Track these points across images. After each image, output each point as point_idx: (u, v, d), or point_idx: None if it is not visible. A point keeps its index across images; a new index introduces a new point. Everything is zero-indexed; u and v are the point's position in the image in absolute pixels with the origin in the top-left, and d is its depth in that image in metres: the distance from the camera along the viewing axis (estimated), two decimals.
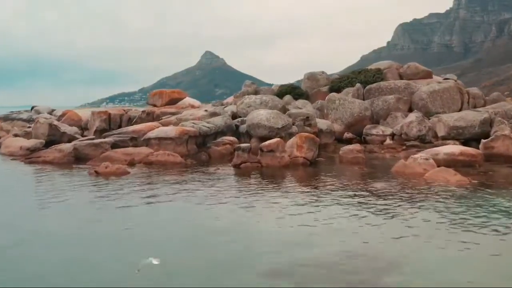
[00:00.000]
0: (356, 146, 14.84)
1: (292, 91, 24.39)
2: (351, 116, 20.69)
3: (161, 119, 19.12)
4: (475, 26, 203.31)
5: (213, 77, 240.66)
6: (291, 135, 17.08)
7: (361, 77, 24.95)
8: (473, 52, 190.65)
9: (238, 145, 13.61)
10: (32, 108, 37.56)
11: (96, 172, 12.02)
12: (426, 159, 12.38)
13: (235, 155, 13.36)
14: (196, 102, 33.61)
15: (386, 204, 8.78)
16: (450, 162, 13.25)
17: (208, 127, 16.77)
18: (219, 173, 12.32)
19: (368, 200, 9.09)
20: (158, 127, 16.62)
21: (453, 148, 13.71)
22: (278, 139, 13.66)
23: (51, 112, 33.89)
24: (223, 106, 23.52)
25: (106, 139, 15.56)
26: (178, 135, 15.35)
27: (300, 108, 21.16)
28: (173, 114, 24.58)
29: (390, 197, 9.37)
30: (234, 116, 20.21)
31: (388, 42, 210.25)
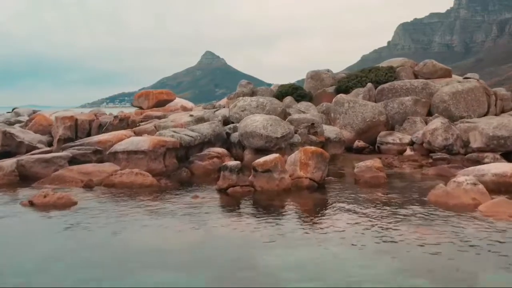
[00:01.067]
0: (375, 162, 11.53)
1: (294, 92, 21.08)
2: (363, 122, 17.39)
3: (139, 125, 15.84)
4: (476, 26, 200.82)
5: (214, 77, 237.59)
6: (292, 146, 13.85)
7: (371, 76, 21.67)
8: (474, 52, 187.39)
9: (224, 163, 10.24)
10: (13, 110, 34.39)
11: (30, 202, 8.75)
12: (474, 184, 9.10)
13: (221, 176, 10.06)
14: (188, 104, 30.41)
15: (442, 265, 5.51)
16: (500, 186, 9.99)
17: (192, 137, 13.49)
18: (198, 203, 9.02)
19: (417, 256, 5.82)
20: (130, 136, 13.34)
21: (505, 167, 10.39)
22: (276, 155, 10.34)
23: (31, 114, 30.78)
24: (214, 109, 20.26)
25: (62, 153, 12.24)
26: (152, 147, 12.06)
27: (303, 112, 17.90)
28: (159, 118, 21.50)
29: (446, 249, 6.09)
30: (226, 121, 16.97)
31: (388, 42, 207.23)
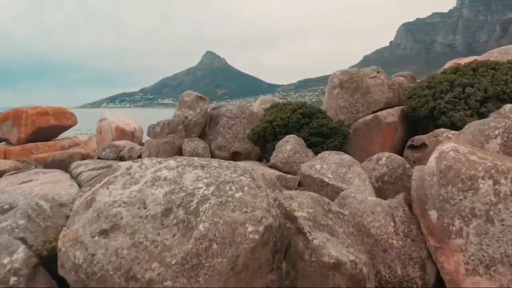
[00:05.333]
0: None
1: (304, 123, 8.29)
2: None
3: None
4: (479, 26, 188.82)
5: (215, 77, 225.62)
6: None
7: (483, 82, 8.93)
8: (477, 52, 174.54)
9: None
10: None
11: None
12: None
13: None
14: (129, 125, 17.58)
15: None
16: None
17: None
18: None
19: None
20: None
21: None
22: None
23: None
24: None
25: None
26: None
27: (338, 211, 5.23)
28: (3, 173, 8.81)
29: None
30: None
31: (390, 42, 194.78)
